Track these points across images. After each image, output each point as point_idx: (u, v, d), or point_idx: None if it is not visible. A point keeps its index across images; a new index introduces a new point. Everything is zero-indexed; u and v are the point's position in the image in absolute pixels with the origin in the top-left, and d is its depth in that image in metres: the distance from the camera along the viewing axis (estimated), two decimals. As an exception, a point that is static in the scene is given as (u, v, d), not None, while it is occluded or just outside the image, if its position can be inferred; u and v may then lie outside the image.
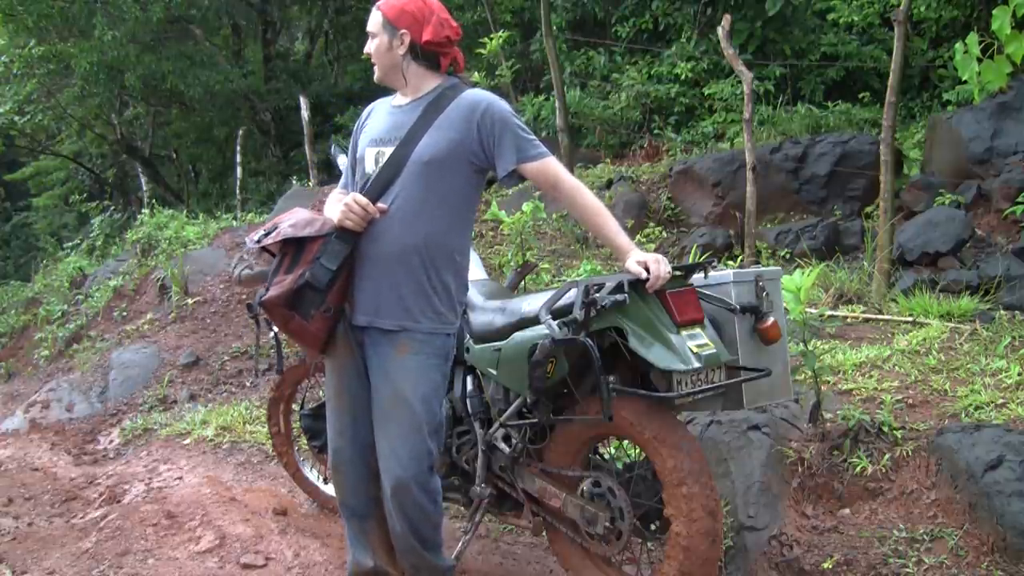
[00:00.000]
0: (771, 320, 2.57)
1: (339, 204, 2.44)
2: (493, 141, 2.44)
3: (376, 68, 2.55)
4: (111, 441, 5.79)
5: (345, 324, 2.50)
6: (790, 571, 2.81)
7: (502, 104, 2.48)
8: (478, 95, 2.48)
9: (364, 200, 2.40)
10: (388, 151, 2.48)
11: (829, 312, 4.66)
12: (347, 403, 2.55)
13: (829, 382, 3.60)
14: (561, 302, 2.51)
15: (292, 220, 2.48)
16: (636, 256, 2.38)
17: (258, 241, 2.49)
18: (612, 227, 2.45)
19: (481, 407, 2.81)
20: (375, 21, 2.50)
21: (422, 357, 2.45)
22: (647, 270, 2.34)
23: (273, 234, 2.45)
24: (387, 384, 2.46)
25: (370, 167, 2.52)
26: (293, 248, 2.43)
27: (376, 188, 2.45)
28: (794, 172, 7.00)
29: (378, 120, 2.60)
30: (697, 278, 2.55)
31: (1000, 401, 3.26)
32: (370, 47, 2.53)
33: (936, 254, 5.44)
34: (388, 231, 2.42)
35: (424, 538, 2.51)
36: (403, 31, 2.46)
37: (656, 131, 9.18)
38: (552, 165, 2.47)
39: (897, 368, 3.73)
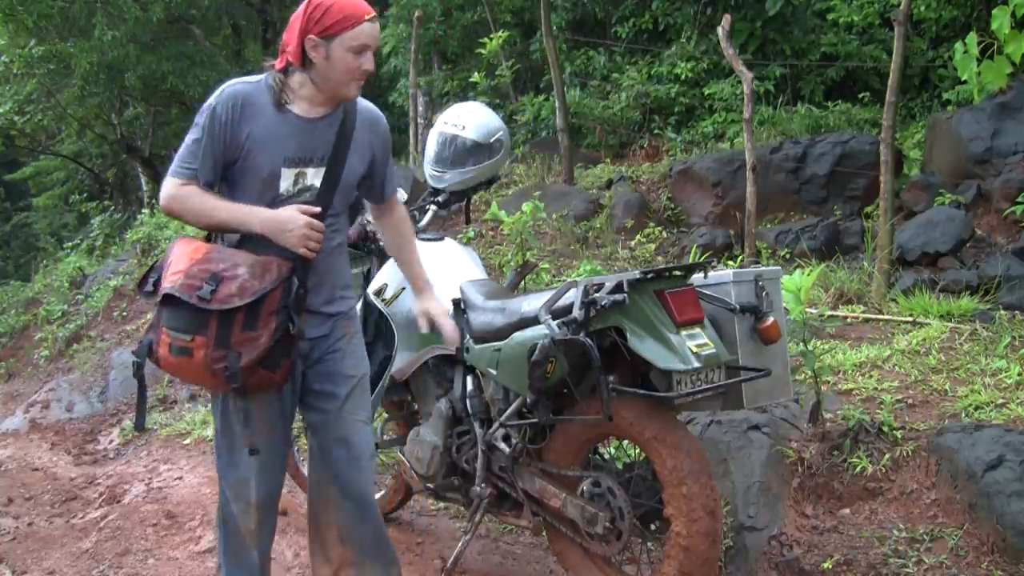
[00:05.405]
0: (771, 320, 2.57)
1: (293, 228, 2.19)
2: (386, 162, 2.50)
3: (359, 84, 2.28)
4: (111, 441, 5.79)
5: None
6: (790, 571, 2.81)
7: None
8: (375, 111, 2.44)
9: (320, 224, 2.23)
10: (311, 171, 2.28)
11: (829, 312, 4.66)
12: (278, 440, 2.41)
13: (829, 382, 3.59)
14: (561, 302, 2.51)
15: (241, 268, 2.13)
16: (429, 304, 2.67)
17: (207, 300, 2.07)
18: (419, 259, 2.69)
19: (481, 407, 2.82)
20: (376, 35, 2.27)
21: (358, 336, 2.49)
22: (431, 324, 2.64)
23: (236, 291, 2.09)
24: (341, 370, 2.41)
25: (287, 187, 2.26)
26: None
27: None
28: (794, 172, 7.00)
29: (279, 131, 2.26)
30: (697, 278, 2.55)
31: (1000, 401, 3.27)
32: (370, 64, 2.25)
33: (936, 254, 5.44)
34: (320, 252, 2.28)
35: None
36: None
37: (656, 131, 9.17)
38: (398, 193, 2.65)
39: (897, 368, 3.73)
